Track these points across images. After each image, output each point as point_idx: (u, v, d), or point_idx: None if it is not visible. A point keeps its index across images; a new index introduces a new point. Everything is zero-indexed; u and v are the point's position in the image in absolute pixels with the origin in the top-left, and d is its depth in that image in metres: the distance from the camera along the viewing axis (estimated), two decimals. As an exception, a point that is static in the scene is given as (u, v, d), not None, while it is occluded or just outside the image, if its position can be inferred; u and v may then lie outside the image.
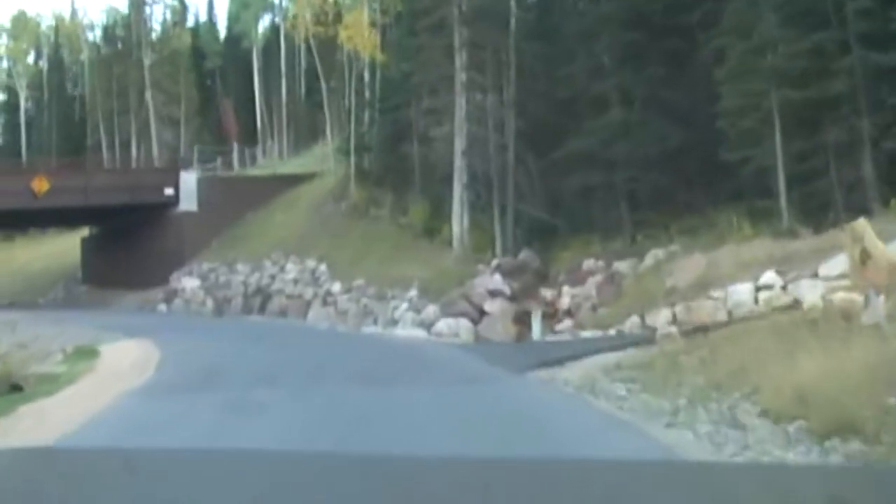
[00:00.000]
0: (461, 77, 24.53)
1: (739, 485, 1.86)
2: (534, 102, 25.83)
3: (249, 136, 51.45)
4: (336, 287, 24.62)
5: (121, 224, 36.79)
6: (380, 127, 32.06)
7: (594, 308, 19.36)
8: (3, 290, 42.58)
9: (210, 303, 29.29)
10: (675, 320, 16.63)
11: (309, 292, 25.48)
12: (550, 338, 17.30)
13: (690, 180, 24.33)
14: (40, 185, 29.38)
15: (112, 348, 14.17)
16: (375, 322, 21.97)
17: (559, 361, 11.33)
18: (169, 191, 33.78)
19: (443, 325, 19.06)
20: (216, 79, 63.13)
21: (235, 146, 40.62)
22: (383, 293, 22.60)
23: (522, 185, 26.28)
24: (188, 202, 33.99)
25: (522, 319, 20.03)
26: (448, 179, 26.75)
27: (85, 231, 41.70)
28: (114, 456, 2.14)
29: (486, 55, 24.90)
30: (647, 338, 13.38)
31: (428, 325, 19.62)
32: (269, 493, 1.71)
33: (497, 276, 21.52)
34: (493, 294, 20.68)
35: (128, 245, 36.45)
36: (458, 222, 24.64)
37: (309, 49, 47.01)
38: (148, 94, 52.33)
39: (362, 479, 1.81)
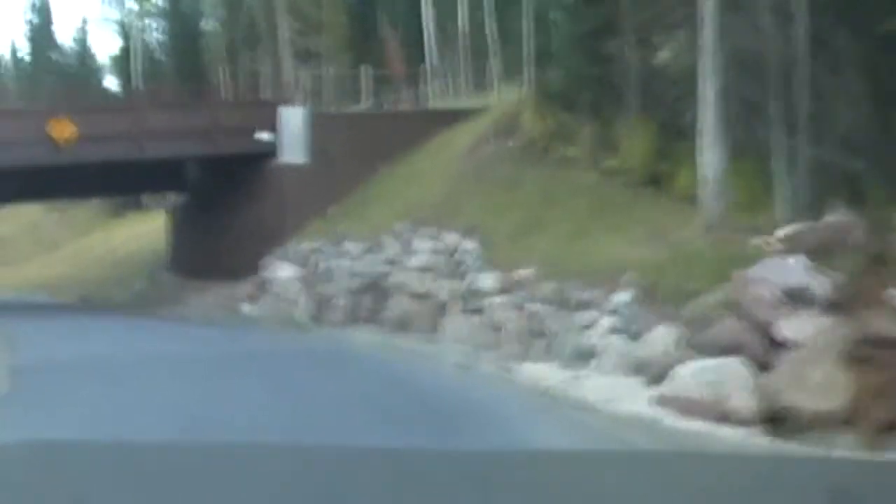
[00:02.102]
0: None
1: (740, 476, 1.94)
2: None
3: (417, 73, 43.78)
4: (487, 281, 15.56)
5: (206, 188, 29.53)
6: (571, 18, 22.69)
7: None
8: (87, 278, 36.94)
9: (304, 302, 21.13)
10: None
11: (444, 289, 16.62)
12: None
13: None
14: (61, 129, 22.17)
15: None
16: (549, 351, 12.78)
17: None
18: (264, 135, 25.90)
19: (687, 376, 9.48)
20: (375, 4, 55.37)
21: (364, 72, 31.97)
22: (567, 295, 13.32)
23: (824, 87, 16.13)
24: (293, 151, 25.99)
25: (868, 360, 10.19)
26: (686, 90, 17.18)
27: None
28: (113, 449, 2.26)
29: None
30: None
31: (657, 373, 10.13)
32: (266, 484, 1.80)
33: (798, 261, 11.68)
34: (796, 298, 10.89)
35: (215, 217, 29.10)
36: (713, 159, 14.91)
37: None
38: (281, 22, 45.54)
39: (364, 471, 1.91)
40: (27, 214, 53.23)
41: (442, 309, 16.50)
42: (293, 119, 26.38)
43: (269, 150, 25.98)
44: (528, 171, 19.77)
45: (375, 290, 18.84)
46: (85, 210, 50.45)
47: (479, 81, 41.62)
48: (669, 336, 10.68)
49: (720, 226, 14.22)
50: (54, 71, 61.24)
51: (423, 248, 18.37)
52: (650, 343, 10.88)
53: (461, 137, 24.73)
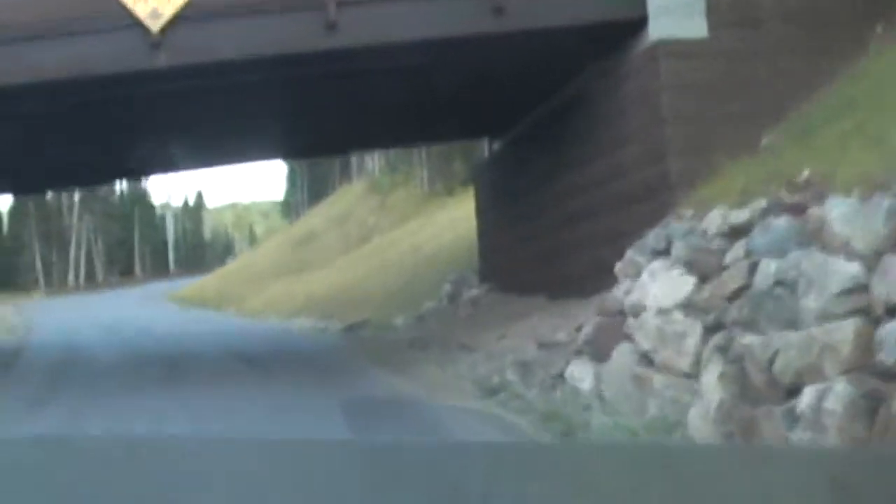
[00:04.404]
0: None
1: (738, 468, 2.08)
2: None
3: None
4: None
5: (515, 123, 17.85)
6: None
7: None
8: (376, 290, 27.12)
9: (709, 384, 8.40)
10: None
11: None
12: None
13: None
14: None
15: None
16: None
17: None
18: (614, -11, 13.51)
19: None
20: None
21: None
22: None
23: None
24: (678, 16, 13.32)
25: None
26: None
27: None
28: (116, 444, 2.47)
29: None
30: None
31: None
32: (271, 479, 1.90)
33: None
34: None
35: (537, 178, 17.35)
36: None
37: None
38: None
39: (373, 467, 2.04)
40: (342, 201, 45.48)
41: None
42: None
43: (628, 20, 13.53)
44: None
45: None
46: (412, 189, 41.40)
47: None
48: None
49: None
50: None
51: None
52: None
53: None
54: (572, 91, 15.24)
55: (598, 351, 11.20)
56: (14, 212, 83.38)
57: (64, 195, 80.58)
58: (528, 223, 17.84)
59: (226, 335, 24.10)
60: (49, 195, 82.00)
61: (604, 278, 13.07)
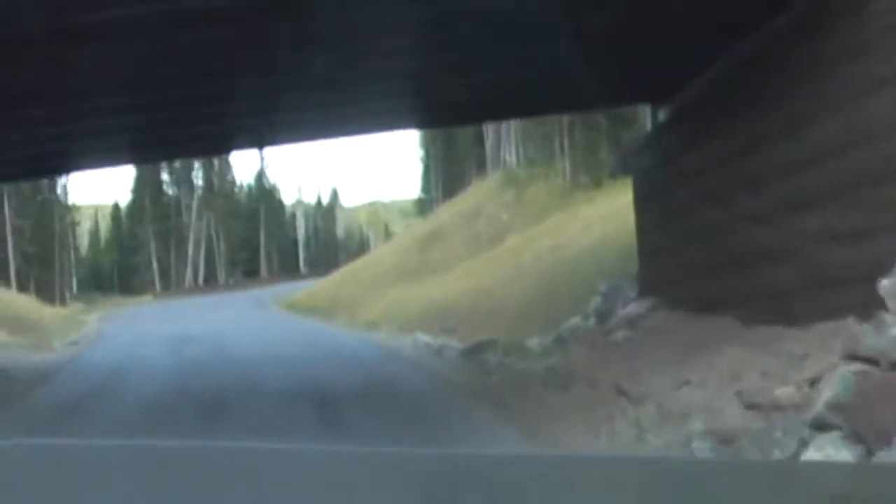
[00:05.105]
0: None
1: (738, 483, 2.03)
2: None
3: None
4: None
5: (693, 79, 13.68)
6: None
7: None
8: (508, 300, 23.52)
9: None
10: None
11: None
12: None
13: None
14: None
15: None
16: None
17: None
18: None
19: None
20: None
21: None
22: None
23: None
24: None
25: None
26: None
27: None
28: (114, 451, 2.35)
29: None
30: None
31: None
32: (270, 488, 1.90)
33: None
34: None
35: (731, 157, 13.12)
36: None
37: None
38: None
39: (369, 475, 2.00)
40: (473, 196, 41.85)
41: None
42: None
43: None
44: None
45: None
46: (552, 181, 37.56)
47: None
48: None
49: None
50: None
51: None
52: None
53: None
54: (784, 23, 10.88)
55: (860, 428, 6.88)
56: (131, 210, 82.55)
57: (183, 192, 79.28)
58: (709, 216, 13.53)
59: (316, 358, 20.66)
60: (170, 192, 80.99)
61: (835, 297, 9.02)
